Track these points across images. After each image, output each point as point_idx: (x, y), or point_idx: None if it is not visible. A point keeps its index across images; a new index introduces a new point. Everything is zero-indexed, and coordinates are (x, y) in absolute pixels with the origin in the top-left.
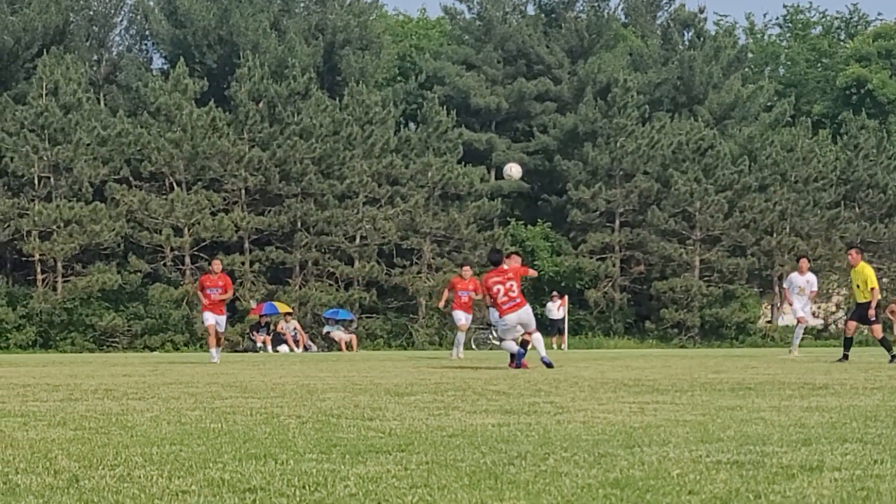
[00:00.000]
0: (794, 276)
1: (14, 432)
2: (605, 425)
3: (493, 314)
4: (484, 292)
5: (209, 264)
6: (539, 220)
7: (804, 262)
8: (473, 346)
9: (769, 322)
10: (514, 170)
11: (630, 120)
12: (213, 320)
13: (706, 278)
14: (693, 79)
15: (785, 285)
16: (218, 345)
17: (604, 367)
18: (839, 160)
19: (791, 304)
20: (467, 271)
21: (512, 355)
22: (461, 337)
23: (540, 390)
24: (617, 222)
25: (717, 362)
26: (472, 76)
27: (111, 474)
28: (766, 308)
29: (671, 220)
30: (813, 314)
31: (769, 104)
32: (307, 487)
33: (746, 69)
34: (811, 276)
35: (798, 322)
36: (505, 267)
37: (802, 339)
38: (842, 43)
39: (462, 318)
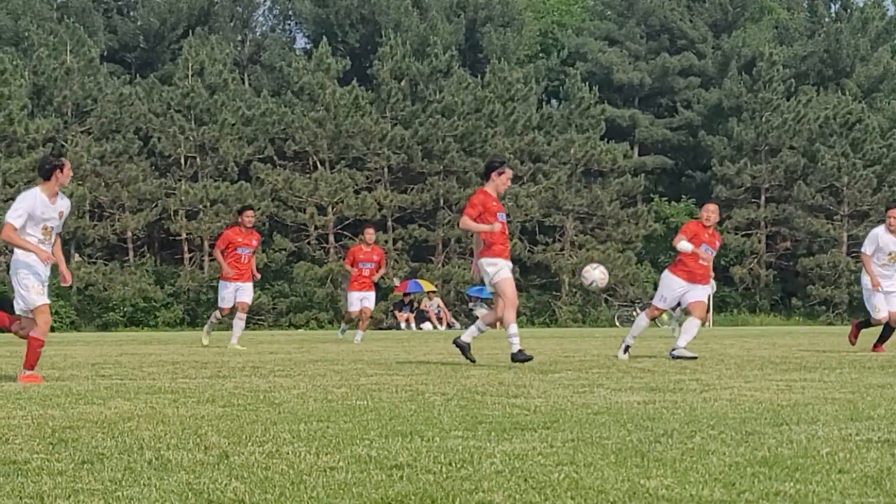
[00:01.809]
0: None
1: (165, 409)
2: (753, 403)
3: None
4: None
5: (361, 233)
6: (683, 196)
7: None
8: (617, 324)
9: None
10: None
11: (776, 94)
12: (359, 305)
13: (854, 254)
14: (840, 51)
15: None
16: (360, 327)
17: (749, 345)
18: None
19: None
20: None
21: None
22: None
23: (685, 368)
24: (763, 198)
25: (866, 340)
26: (615, 52)
27: (260, 450)
28: None
29: (818, 196)
30: None
31: None
32: (453, 464)
33: (895, 41)
34: None
35: None
36: None
37: None
38: None
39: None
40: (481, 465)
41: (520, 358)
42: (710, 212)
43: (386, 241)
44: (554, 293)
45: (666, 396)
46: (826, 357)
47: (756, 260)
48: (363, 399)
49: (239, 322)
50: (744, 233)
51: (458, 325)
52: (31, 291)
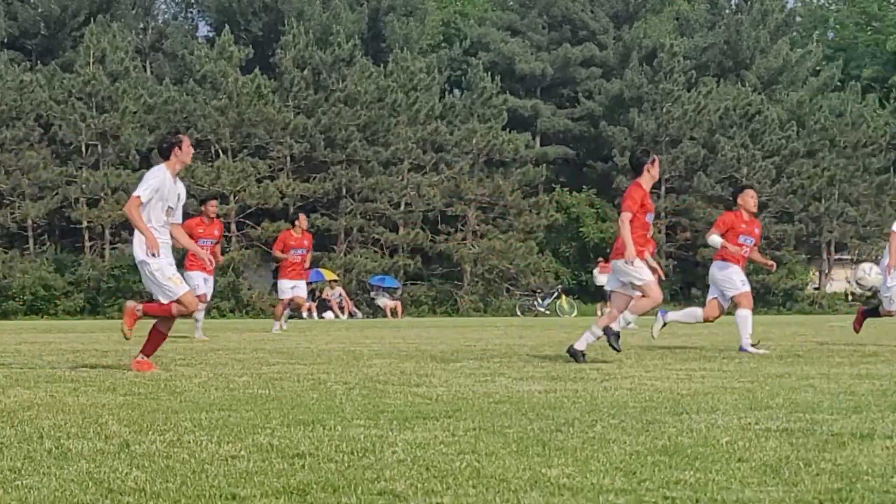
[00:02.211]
0: None
1: (65, 397)
2: (653, 392)
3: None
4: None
5: (293, 223)
6: (584, 186)
7: None
8: (518, 313)
9: (817, 289)
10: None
11: (676, 85)
12: (291, 293)
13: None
14: (740, 43)
15: None
16: (292, 313)
17: (649, 334)
18: (889, 125)
19: None
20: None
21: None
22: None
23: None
24: (663, 188)
25: (765, 329)
26: (517, 42)
27: (161, 439)
28: (813, 275)
29: (718, 186)
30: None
31: (817, 68)
32: (355, 453)
33: (794, 33)
34: None
35: None
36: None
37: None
38: (892, 6)
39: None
40: (383, 454)
41: (613, 345)
42: (752, 197)
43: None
44: (456, 282)
45: (567, 385)
46: (725, 347)
47: (656, 250)
48: (265, 388)
49: (198, 314)
50: None
51: (359, 314)
52: (170, 282)
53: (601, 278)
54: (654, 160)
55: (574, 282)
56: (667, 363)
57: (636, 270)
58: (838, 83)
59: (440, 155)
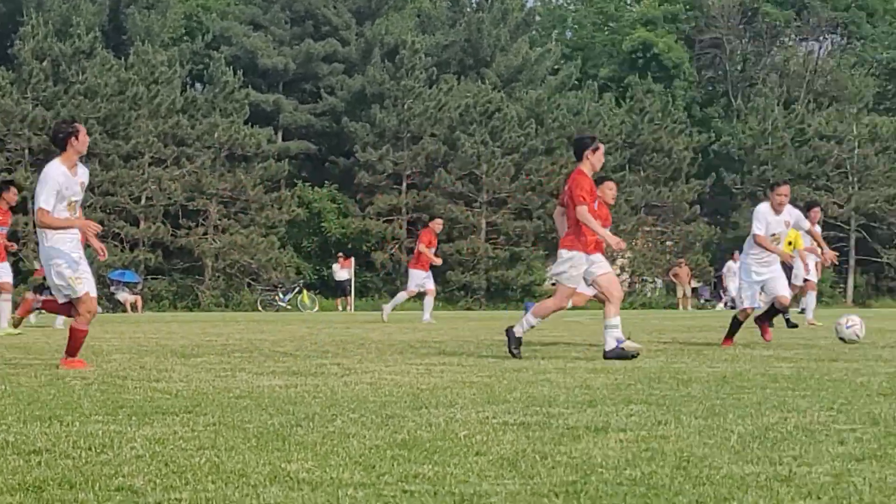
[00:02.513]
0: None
1: None
2: (393, 387)
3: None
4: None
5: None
6: (326, 181)
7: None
8: (260, 308)
9: (554, 285)
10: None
11: (418, 82)
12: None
13: (492, 241)
14: (481, 41)
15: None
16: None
17: (390, 329)
18: (625, 124)
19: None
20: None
21: None
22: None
23: (327, 352)
24: (404, 184)
25: (503, 325)
26: (260, 36)
27: None
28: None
29: (458, 183)
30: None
31: (556, 67)
32: (93, 449)
33: (534, 32)
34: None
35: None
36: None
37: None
38: (628, 7)
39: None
40: (122, 450)
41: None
42: (611, 189)
43: (26, 224)
44: (197, 277)
45: (307, 380)
46: (464, 342)
47: (397, 245)
48: (1, 384)
49: (5, 304)
50: (385, 219)
51: (99, 309)
52: (70, 282)
53: (342, 273)
54: (596, 147)
55: (315, 277)
56: (406, 358)
57: (565, 267)
58: (576, 82)
59: (181, 149)
